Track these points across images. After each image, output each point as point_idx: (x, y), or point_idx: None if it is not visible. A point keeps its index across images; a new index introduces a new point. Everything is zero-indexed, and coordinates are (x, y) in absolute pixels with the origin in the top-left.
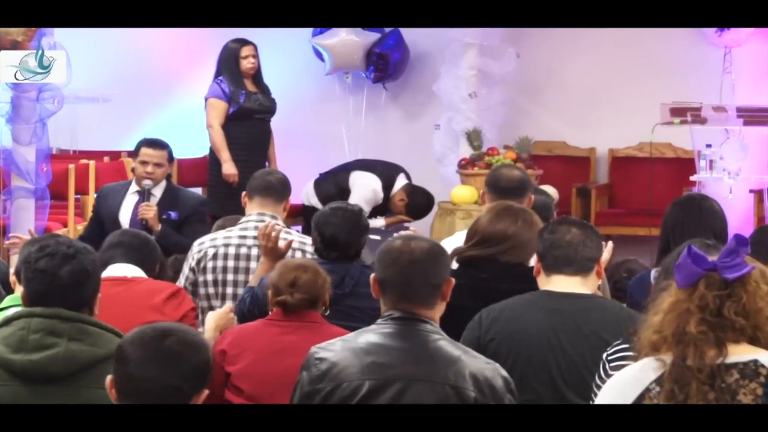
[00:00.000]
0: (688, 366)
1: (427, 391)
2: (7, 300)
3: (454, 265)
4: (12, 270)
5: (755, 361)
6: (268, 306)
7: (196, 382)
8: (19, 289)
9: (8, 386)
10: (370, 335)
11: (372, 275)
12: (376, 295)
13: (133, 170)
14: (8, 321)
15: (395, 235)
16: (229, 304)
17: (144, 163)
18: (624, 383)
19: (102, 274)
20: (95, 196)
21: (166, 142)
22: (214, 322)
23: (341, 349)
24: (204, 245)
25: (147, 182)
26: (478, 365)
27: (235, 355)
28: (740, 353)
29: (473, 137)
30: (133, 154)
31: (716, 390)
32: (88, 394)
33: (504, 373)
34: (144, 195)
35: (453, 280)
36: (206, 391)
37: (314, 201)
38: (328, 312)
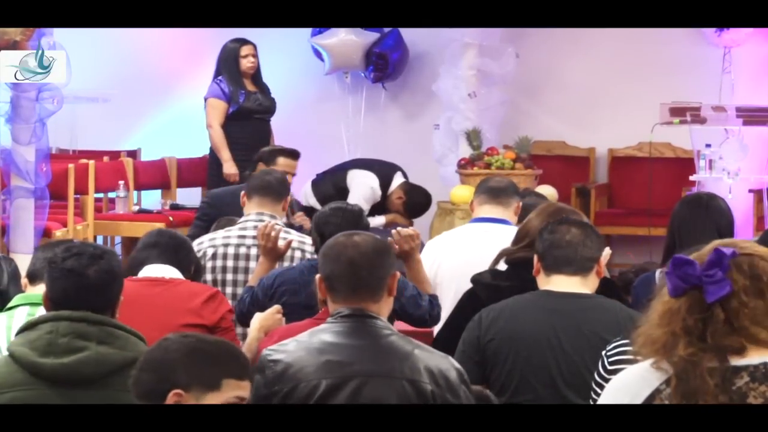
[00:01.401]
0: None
1: (385, 387)
2: (17, 299)
3: (503, 266)
4: (24, 273)
5: (765, 364)
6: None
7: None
8: (29, 290)
9: (35, 390)
10: (323, 334)
11: (317, 276)
12: (322, 295)
13: None
14: (34, 324)
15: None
16: (276, 305)
17: (284, 173)
18: (631, 384)
19: (138, 273)
20: (205, 201)
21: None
22: (259, 323)
23: (295, 349)
24: (203, 245)
25: None
26: (432, 359)
27: None
28: (750, 356)
29: (473, 137)
30: (262, 161)
31: (727, 393)
32: (117, 397)
33: (457, 365)
34: (291, 205)
35: (398, 274)
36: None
37: (312, 201)
38: None
